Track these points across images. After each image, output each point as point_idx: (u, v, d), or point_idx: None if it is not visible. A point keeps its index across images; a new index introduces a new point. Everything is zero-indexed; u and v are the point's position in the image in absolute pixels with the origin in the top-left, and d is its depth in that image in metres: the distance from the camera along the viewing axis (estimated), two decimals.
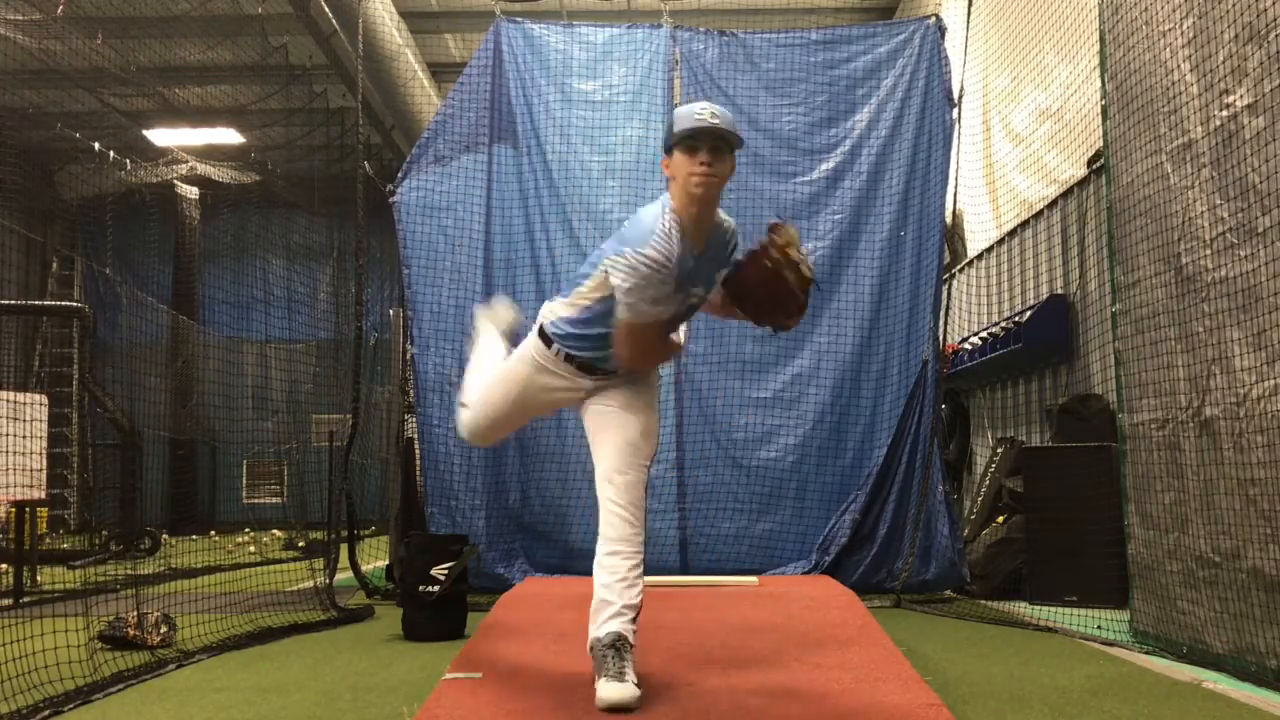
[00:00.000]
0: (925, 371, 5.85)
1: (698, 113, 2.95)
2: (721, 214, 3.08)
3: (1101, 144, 4.68)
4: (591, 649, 2.93)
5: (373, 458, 9.35)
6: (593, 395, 3.19)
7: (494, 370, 3.42)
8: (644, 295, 2.90)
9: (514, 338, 3.67)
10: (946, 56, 6.07)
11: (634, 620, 2.96)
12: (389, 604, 5.51)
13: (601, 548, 3.01)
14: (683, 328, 3.32)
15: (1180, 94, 3.86)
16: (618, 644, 2.88)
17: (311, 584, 5.54)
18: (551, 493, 5.97)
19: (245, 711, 3.21)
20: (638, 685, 2.80)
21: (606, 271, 2.95)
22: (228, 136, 12.85)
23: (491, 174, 6.05)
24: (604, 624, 2.93)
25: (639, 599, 2.98)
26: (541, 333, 3.20)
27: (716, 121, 2.93)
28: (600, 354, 3.11)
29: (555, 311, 3.18)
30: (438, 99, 10.92)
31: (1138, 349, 4.22)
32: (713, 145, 2.91)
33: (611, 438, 3.09)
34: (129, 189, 12.84)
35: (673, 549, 5.93)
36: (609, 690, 2.76)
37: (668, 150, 3.00)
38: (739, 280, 3.08)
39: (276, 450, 12.98)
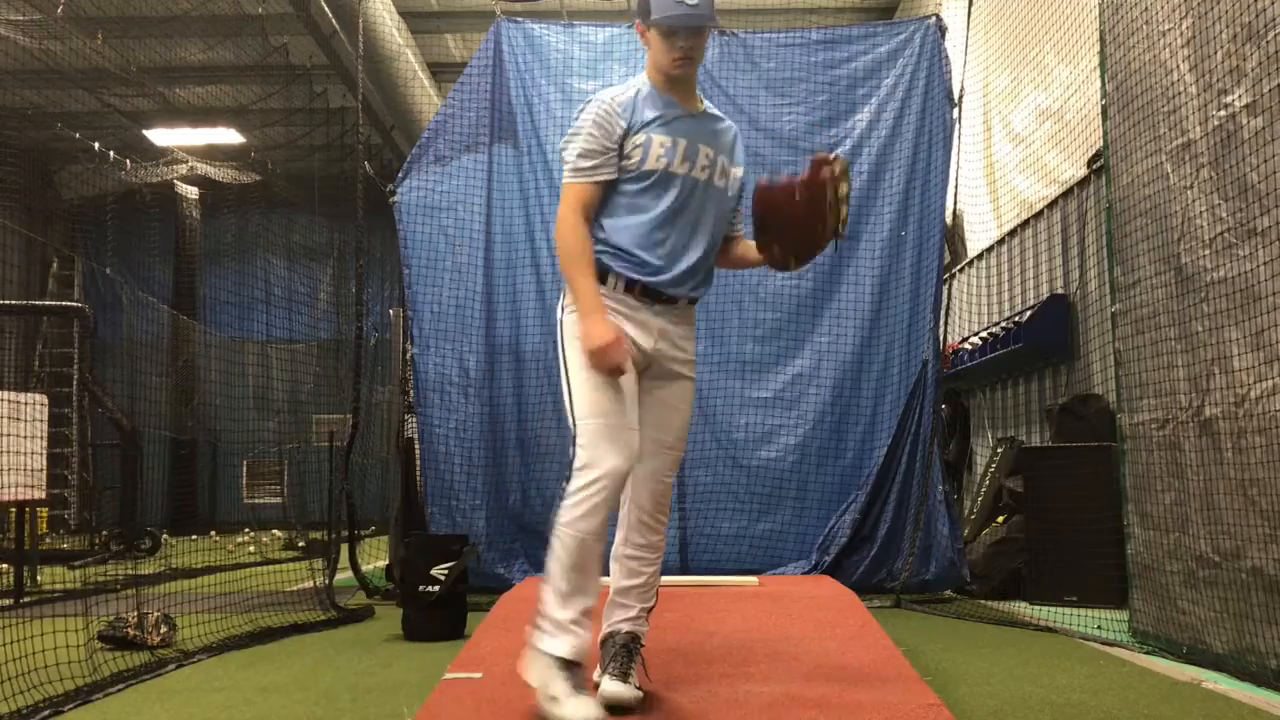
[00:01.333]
0: (925, 371, 5.85)
1: None
2: (718, 112, 3.04)
3: (1101, 144, 4.68)
4: (603, 642, 2.92)
5: (373, 458, 9.35)
6: (648, 370, 2.89)
7: (584, 382, 2.77)
8: (583, 136, 2.80)
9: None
10: (947, 56, 6.06)
11: (647, 620, 2.98)
12: (389, 604, 5.51)
13: (623, 549, 2.94)
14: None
15: (1179, 94, 3.86)
16: (631, 645, 2.88)
17: (311, 584, 5.54)
18: (551, 493, 5.96)
19: (245, 711, 3.21)
20: (639, 688, 2.80)
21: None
22: (228, 136, 12.85)
23: (491, 174, 6.05)
24: (619, 623, 2.92)
25: (655, 600, 2.99)
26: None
27: (696, 9, 2.78)
28: (650, 266, 2.82)
29: None
30: (438, 99, 10.92)
31: (1138, 349, 4.22)
32: (691, 32, 2.83)
33: (660, 435, 2.90)
34: (129, 189, 12.86)
35: (673, 549, 5.92)
36: (612, 688, 2.76)
37: (644, 19, 2.87)
38: (784, 192, 2.87)
39: (277, 450, 12.98)
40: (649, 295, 2.86)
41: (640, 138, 2.81)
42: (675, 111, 2.89)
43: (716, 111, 3.04)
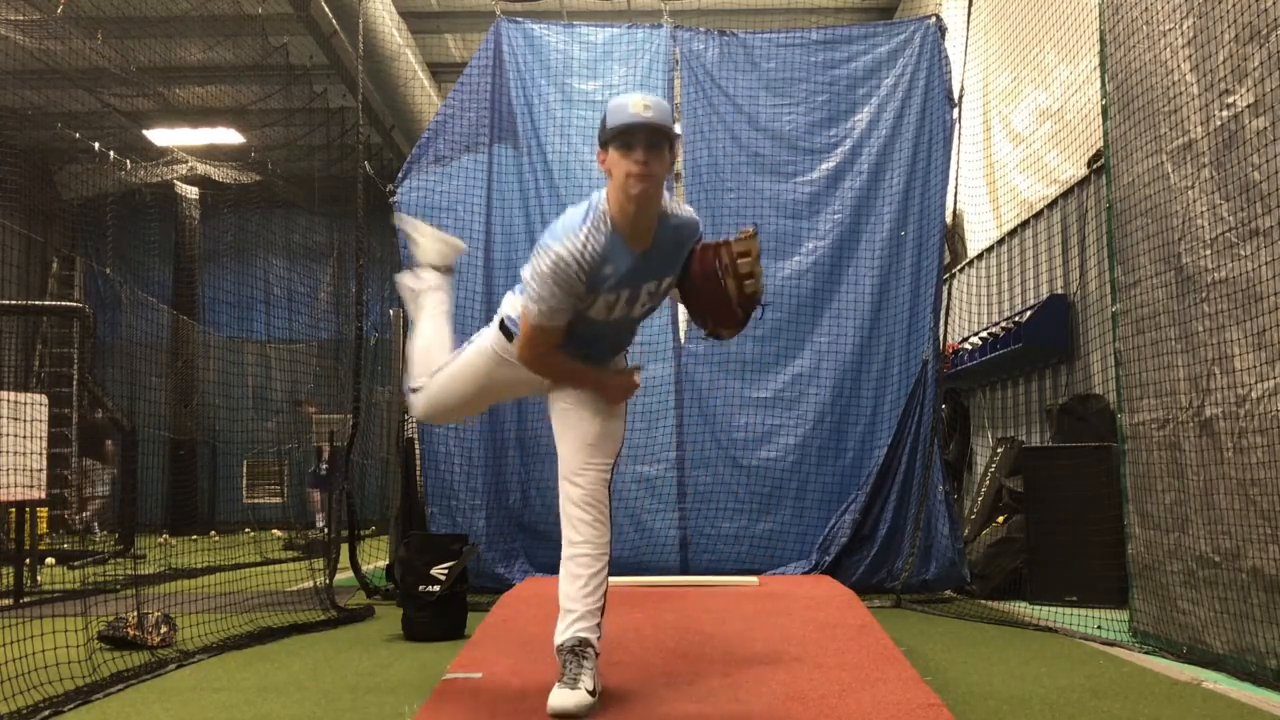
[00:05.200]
0: (925, 371, 5.85)
1: (631, 105, 2.73)
2: (679, 207, 2.96)
3: (1102, 144, 4.68)
4: (557, 652, 2.90)
5: (373, 458, 9.34)
6: (556, 388, 3.09)
7: (451, 366, 3.20)
8: (545, 290, 2.80)
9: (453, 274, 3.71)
10: (946, 56, 6.07)
11: (599, 624, 2.92)
12: (389, 604, 5.51)
13: (564, 550, 2.95)
14: (636, 366, 3.17)
15: (1181, 94, 3.86)
16: (578, 649, 2.85)
17: (311, 584, 5.54)
18: (551, 492, 5.92)
19: (245, 711, 3.21)
20: (593, 692, 2.76)
21: None
22: (228, 136, 12.84)
23: (491, 174, 6.05)
24: (565, 630, 2.90)
25: (601, 601, 2.93)
26: (503, 327, 3.07)
27: (650, 115, 2.71)
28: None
29: (515, 305, 3.04)
30: (438, 99, 10.92)
31: (1138, 349, 4.22)
32: (649, 142, 2.72)
33: (571, 437, 3.01)
34: (129, 189, 12.85)
35: (673, 549, 5.92)
36: (557, 697, 2.73)
37: (603, 145, 2.81)
38: (686, 270, 2.98)
39: (276, 450, 12.99)
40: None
41: (590, 296, 2.87)
42: (627, 263, 2.84)
43: (676, 215, 2.93)
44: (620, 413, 3.09)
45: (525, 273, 2.89)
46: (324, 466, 12.54)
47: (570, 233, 2.81)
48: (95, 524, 11.87)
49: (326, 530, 11.22)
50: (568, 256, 2.76)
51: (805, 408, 6.03)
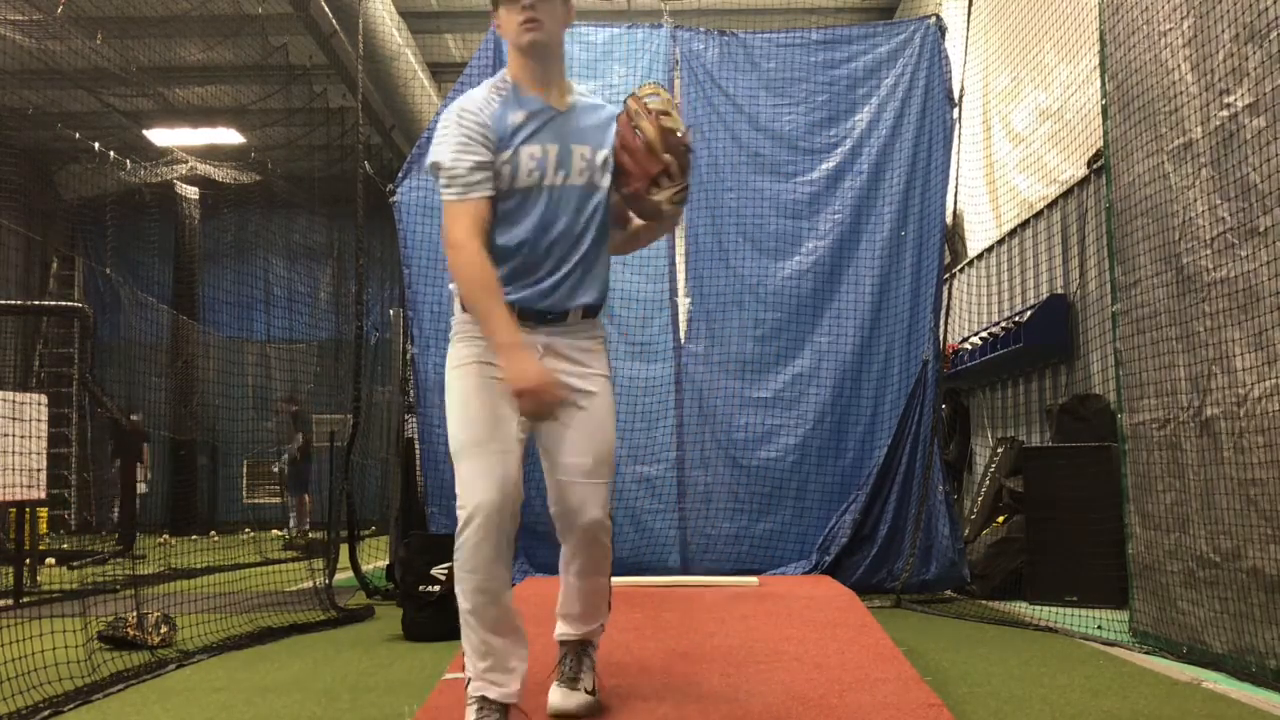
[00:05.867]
0: (925, 371, 5.85)
1: None
2: (597, 99, 2.74)
3: (1101, 144, 4.68)
4: (558, 643, 2.84)
5: (373, 458, 9.35)
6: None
7: (452, 409, 2.57)
8: (453, 147, 2.47)
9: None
10: (946, 56, 6.07)
11: (601, 624, 2.87)
12: (389, 604, 5.51)
13: (574, 566, 2.75)
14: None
15: (1180, 94, 3.86)
16: (577, 645, 2.81)
17: (311, 584, 5.54)
18: None
19: (245, 711, 3.21)
20: (592, 691, 2.73)
21: None
22: (228, 136, 12.85)
23: None
24: (563, 625, 2.80)
25: (606, 598, 2.84)
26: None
27: None
28: (527, 284, 2.55)
29: None
30: (438, 99, 10.92)
31: (1138, 349, 4.22)
32: None
33: (568, 460, 2.71)
34: (129, 189, 12.86)
35: (673, 549, 5.92)
36: (557, 697, 2.70)
37: (494, 6, 2.58)
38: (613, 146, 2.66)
39: (276, 450, 13.00)
40: (532, 316, 2.56)
41: (507, 154, 2.51)
42: (543, 114, 2.57)
43: (594, 99, 2.74)
44: (612, 427, 2.73)
45: (430, 157, 2.55)
46: (285, 469, 12.52)
47: (470, 94, 2.58)
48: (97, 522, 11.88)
49: (298, 531, 11.22)
50: (469, 105, 2.53)
51: (805, 408, 6.03)
